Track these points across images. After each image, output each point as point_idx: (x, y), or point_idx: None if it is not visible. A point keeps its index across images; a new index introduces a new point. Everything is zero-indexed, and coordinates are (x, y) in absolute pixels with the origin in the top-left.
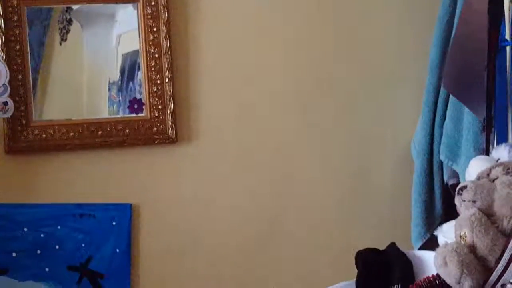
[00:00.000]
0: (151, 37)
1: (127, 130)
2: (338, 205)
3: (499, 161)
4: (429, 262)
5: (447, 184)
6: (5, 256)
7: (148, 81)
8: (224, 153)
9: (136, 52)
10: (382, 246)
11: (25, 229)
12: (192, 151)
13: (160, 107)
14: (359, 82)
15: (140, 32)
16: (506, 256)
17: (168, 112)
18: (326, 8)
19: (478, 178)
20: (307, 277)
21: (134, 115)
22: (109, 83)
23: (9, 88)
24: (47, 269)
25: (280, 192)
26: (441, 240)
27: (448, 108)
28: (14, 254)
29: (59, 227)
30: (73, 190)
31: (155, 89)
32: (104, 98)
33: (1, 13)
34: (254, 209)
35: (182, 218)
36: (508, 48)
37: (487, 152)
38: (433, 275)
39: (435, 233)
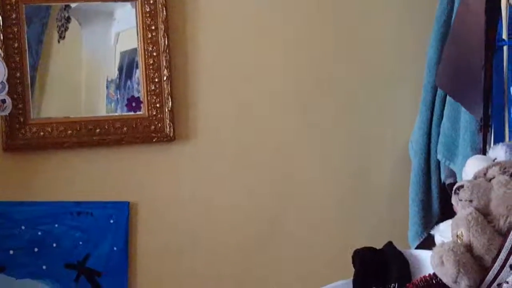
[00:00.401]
0: (149, 35)
1: (125, 128)
2: (338, 205)
3: (495, 160)
4: (426, 261)
5: (444, 183)
6: (2, 254)
7: (146, 79)
8: (222, 152)
9: (134, 50)
10: (381, 246)
11: (23, 227)
12: (190, 150)
13: (158, 105)
14: (358, 82)
15: (138, 30)
16: (502, 256)
17: (166, 110)
18: (326, 8)
19: (475, 177)
20: (307, 277)
21: (132, 113)
22: (107, 81)
23: (7, 86)
24: (44, 267)
25: (280, 192)
26: (438, 239)
27: (446, 107)
28: (11, 252)
29: (56, 225)
30: (70, 188)
31: (153, 87)
32: (102, 96)
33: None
34: (253, 209)
35: (180, 216)
36: (505, 47)
37: (484, 152)
38: (430, 275)
39: (432, 233)
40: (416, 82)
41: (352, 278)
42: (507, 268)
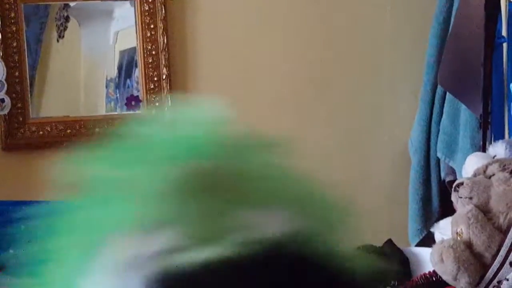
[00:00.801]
0: (148, 34)
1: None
2: None
3: (495, 157)
4: (426, 259)
5: (444, 180)
6: (2, 254)
7: (145, 78)
8: None
9: (133, 49)
10: (381, 243)
11: (22, 227)
12: None
13: (157, 104)
14: (357, 80)
15: (137, 29)
16: (502, 253)
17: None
18: (323, 7)
19: (475, 174)
20: None
21: (131, 112)
22: (107, 80)
23: (6, 85)
24: None
25: None
26: (437, 236)
27: (445, 104)
28: (11, 251)
29: None
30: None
31: (152, 86)
32: (102, 95)
33: None
34: None
35: None
36: (504, 44)
37: (484, 149)
38: (429, 272)
39: (431, 230)
40: (415, 80)
41: None
42: (507, 265)
